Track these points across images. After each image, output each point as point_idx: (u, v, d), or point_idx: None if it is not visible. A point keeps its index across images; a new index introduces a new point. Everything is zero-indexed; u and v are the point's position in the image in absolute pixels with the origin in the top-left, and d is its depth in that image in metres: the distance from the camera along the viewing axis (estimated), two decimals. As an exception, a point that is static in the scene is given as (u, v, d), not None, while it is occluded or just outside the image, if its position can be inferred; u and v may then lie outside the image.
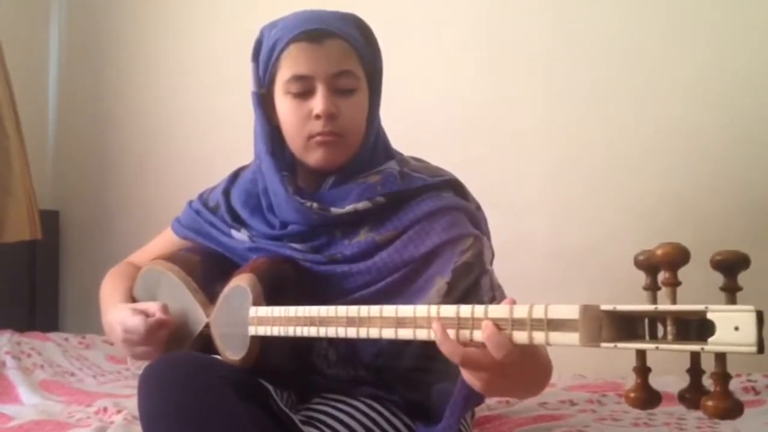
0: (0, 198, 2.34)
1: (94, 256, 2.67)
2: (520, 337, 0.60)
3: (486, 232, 1.05)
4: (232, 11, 2.44)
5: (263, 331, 0.86)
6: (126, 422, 1.33)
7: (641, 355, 0.55)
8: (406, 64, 1.92)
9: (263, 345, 0.88)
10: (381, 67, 1.04)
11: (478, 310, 0.64)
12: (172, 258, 1.10)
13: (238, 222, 1.08)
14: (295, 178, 1.04)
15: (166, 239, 1.21)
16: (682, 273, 0.53)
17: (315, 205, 0.98)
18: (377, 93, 1.05)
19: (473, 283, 0.94)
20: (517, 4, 1.96)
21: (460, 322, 0.65)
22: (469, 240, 0.97)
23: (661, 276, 0.53)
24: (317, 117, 0.97)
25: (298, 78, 0.97)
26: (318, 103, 0.97)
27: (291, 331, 0.82)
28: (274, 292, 0.90)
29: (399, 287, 0.95)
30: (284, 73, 0.98)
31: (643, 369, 0.55)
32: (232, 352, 0.91)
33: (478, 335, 0.63)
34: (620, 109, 1.81)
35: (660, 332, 0.53)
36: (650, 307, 0.52)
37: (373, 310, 0.73)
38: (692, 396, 0.53)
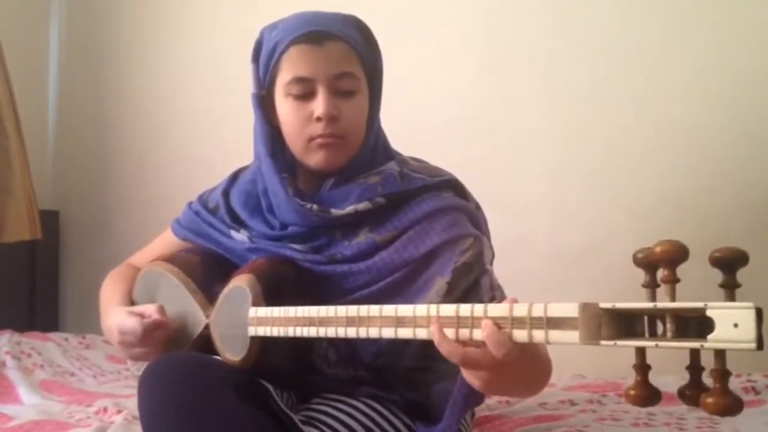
0: (0, 198, 2.35)
1: (94, 256, 2.67)
2: (520, 335, 0.60)
3: (486, 232, 1.05)
4: (232, 11, 2.45)
5: (263, 331, 0.86)
6: (126, 422, 1.33)
7: (641, 352, 0.55)
8: (406, 64, 1.92)
9: (263, 345, 0.88)
10: (381, 69, 1.04)
11: (478, 309, 0.64)
12: (171, 259, 1.10)
13: (238, 223, 1.08)
14: (294, 180, 1.04)
15: (166, 240, 1.21)
16: (681, 271, 0.53)
17: (315, 206, 0.98)
18: (377, 94, 1.05)
19: (473, 283, 0.94)
20: (517, 4, 1.96)
21: (459, 321, 0.65)
22: (469, 240, 0.97)
23: (660, 273, 0.53)
24: (318, 119, 0.97)
25: (299, 80, 0.97)
26: (319, 105, 0.97)
27: (291, 331, 0.82)
28: (273, 292, 0.90)
29: (399, 287, 0.95)
30: (285, 75, 0.98)
31: (642, 366, 0.55)
32: (232, 352, 0.91)
33: (478, 334, 0.63)
34: (620, 109, 1.81)
35: (659, 330, 0.53)
36: (649, 305, 0.52)
37: (373, 309, 0.73)
38: (692, 393, 0.53)
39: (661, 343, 0.51)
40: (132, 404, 1.30)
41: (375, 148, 1.05)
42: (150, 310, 0.99)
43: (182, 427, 0.81)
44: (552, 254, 1.85)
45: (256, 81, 1.04)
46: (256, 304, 0.88)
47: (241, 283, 0.92)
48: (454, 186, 1.04)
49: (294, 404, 0.98)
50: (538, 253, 1.86)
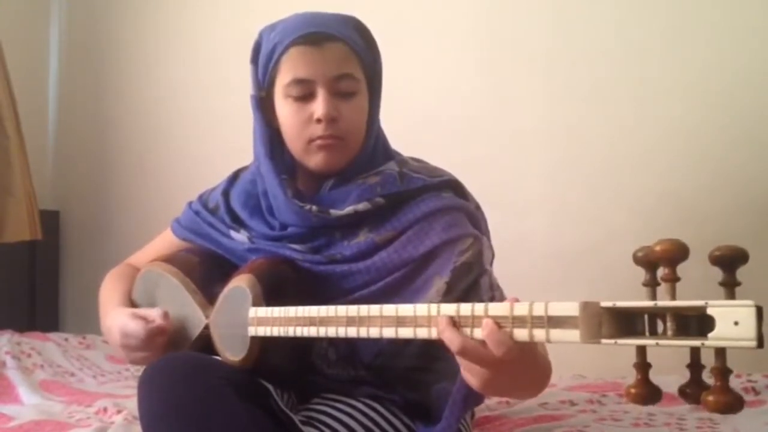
0: (0, 198, 2.35)
1: (94, 256, 2.67)
2: (521, 334, 0.60)
3: (486, 232, 1.05)
4: (232, 11, 2.45)
5: (263, 331, 0.86)
6: (126, 422, 1.33)
7: (641, 351, 0.55)
8: (406, 64, 1.92)
9: (263, 345, 0.88)
10: (381, 70, 1.04)
11: (479, 308, 0.63)
12: (171, 259, 1.10)
13: (238, 223, 1.08)
14: (294, 181, 1.03)
15: (166, 240, 1.21)
16: (681, 270, 0.53)
17: (314, 208, 0.98)
18: (377, 95, 1.05)
19: (472, 283, 0.94)
20: (517, 4, 1.96)
21: (460, 320, 0.65)
22: (468, 240, 0.96)
23: (661, 272, 0.53)
24: (318, 121, 0.97)
25: (299, 81, 0.97)
26: (319, 106, 0.97)
27: (291, 331, 0.82)
28: (273, 292, 0.90)
29: (398, 287, 0.95)
30: (284, 76, 0.98)
31: (643, 365, 0.55)
32: (232, 353, 0.91)
33: (479, 333, 0.63)
34: (620, 109, 1.81)
35: (660, 328, 0.53)
36: (650, 303, 0.52)
37: (373, 309, 0.73)
38: (693, 391, 0.53)
39: (662, 342, 0.51)
40: (132, 404, 1.30)
41: (375, 148, 1.05)
42: (154, 314, 0.99)
43: (182, 427, 0.81)
44: (552, 254, 1.85)
45: (255, 82, 1.04)
46: (256, 304, 0.88)
47: (241, 283, 0.92)
48: (453, 186, 1.04)
49: (294, 404, 0.98)
50: (538, 253, 1.86)
